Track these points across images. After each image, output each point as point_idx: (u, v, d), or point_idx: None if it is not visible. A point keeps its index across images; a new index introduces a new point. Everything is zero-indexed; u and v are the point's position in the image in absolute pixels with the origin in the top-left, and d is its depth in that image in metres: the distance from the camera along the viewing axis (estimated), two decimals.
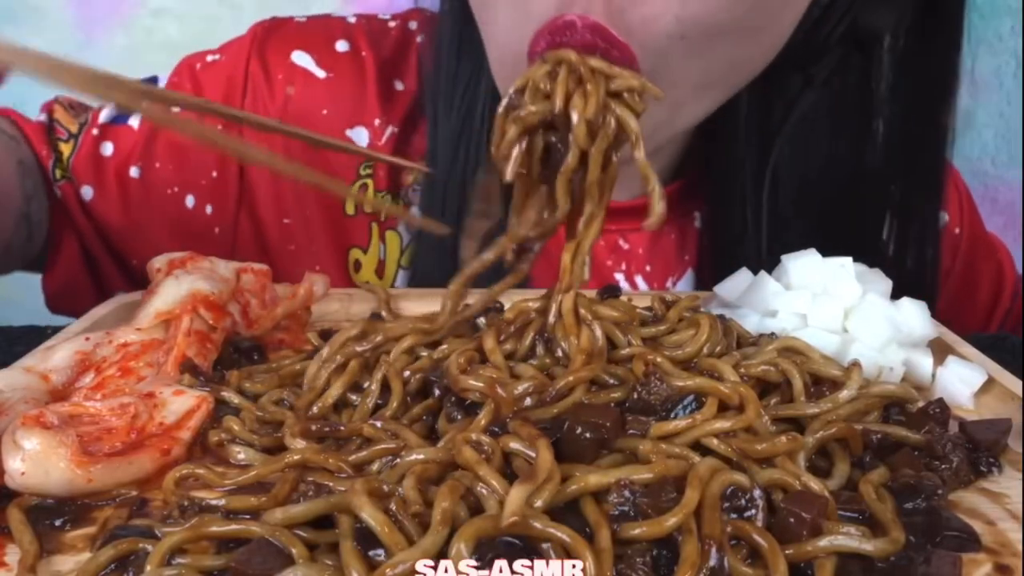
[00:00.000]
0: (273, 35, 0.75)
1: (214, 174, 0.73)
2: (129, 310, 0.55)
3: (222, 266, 0.55)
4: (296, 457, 0.38)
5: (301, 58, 0.74)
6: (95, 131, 0.73)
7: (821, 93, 0.68)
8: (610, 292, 0.54)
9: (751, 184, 0.69)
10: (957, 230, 0.81)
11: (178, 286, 0.51)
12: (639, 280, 0.74)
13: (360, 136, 0.74)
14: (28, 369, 0.45)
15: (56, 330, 0.54)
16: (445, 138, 0.70)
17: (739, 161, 0.69)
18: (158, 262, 0.55)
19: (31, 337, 0.52)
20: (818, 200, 0.71)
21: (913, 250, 0.72)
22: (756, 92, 0.66)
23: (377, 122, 0.74)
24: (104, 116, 0.74)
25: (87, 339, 0.48)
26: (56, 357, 0.46)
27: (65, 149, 0.72)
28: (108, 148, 0.72)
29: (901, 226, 0.72)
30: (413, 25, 0.78)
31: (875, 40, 0.65)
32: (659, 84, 0.53)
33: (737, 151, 0.69)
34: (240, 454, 0.42)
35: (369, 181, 0.75)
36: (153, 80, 0.75)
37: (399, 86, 0.75)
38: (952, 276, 0.81)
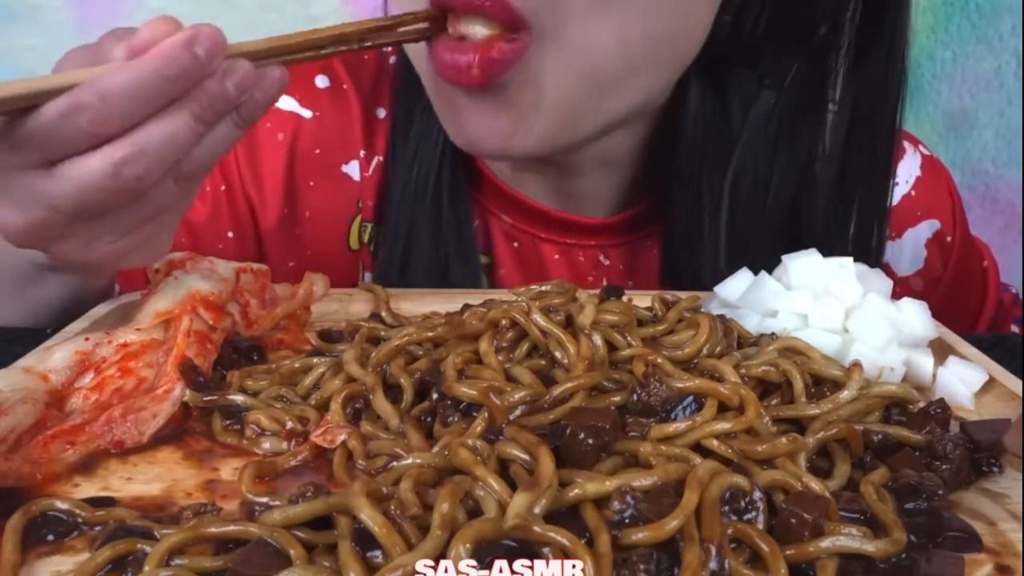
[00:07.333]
0: None
1: (230, 234, 0.74)
2: (129, 310, 0.55)
3: (222, 266, 0.55)
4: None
5: (286, 102, 0.74)
6: None
7: (777, 95, 0.67)
8: (613, 293, 0.54)
9: (709, 196, 0.68)
10: (949, 238, 0.80)
11: (177, 286, 0.51)
12: None
13: (353, 170, 0.74)
14: (27, 369, 0.45)
15: (56, 330, 0.54)
16: (402, 161, 0.70)
17: (697, 172, 0.68)
18: (157, 262, 0.55)
19: (30, 337, 0.52)
20: (777, 209, 0.70)
21: (857, 240, 0.72)
22: (710, 97, 0.66)
23: (363, 153, 0.74)
24: None
25: (87, 339, 0.48)
26: (55, 357, 0.46)
27: None
28: None
29: (847, 217, 0.72)
30: (386, 49, 0.77)
31: (813, 33, 0.64)
32: (566, 46, 0.53)
33: (692, 160, 0.68)
34: (265, 444, 0.42)
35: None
36: None
37: (381, 114, 0.75)
38: (942, 284, 0.80)
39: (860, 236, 0.72)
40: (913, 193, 0.78)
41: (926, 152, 0.81)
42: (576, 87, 0.56)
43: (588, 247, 0.74)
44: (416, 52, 0.59)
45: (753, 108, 0.67)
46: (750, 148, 0.68)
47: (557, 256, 0.74)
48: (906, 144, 0.79)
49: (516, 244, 0.74)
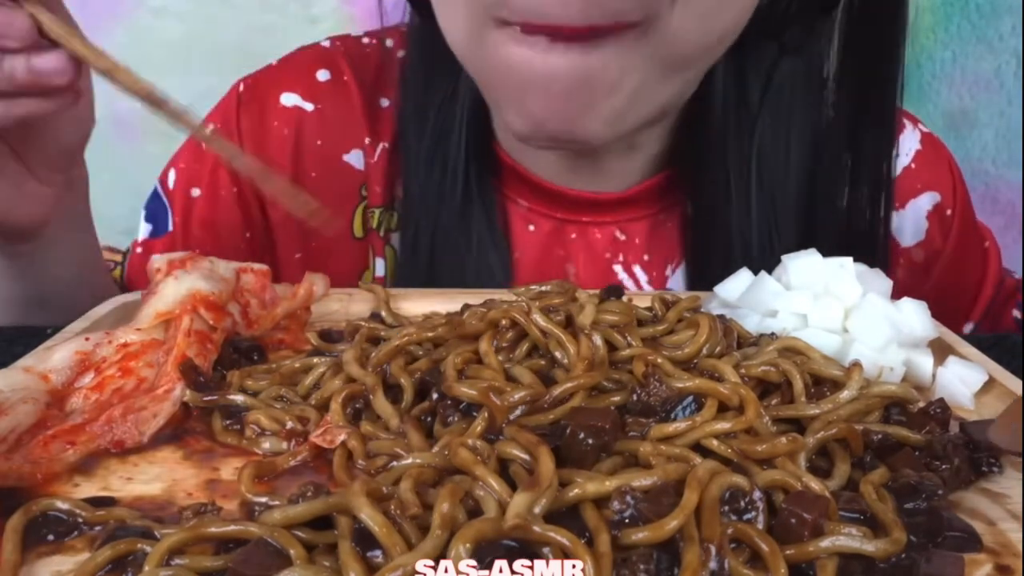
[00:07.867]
0: (258, 86, 0.76)
1: (248, 235, 0.76)
2: (129, 310, 0.55)
3: (222, 266, 0.55)
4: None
5: (289, 98, 0.75)
6: (139, 250, 0.77)
7: (796, 61, 0.68)
8: (612, 293, 0.54)
9: (735, 165, 0.69)
10: (949, 212, 0.80)
11: (178, 286, 0.51)
12: (637, 270, 0.75)
13: (356, 159, 0.75)
14: (27, 369, 0.45)
15: (56, 330, 0.54)
16: (420, 158, 0.71)
17: (722, 142, 0.69)
18: (158, 262, 0.55)
19: (30, 337, 0.52)
20: (803, 175, 0.71)
21: (866, 205, 0.73)
22: (731, 68, 0.67)
23: (367, 140, 0.75)
24: (143, 234, 0.77)
25: (87, 339, 0.48)
26: (56, 357, 0.46)
27: (116, 274, 0.77)
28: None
29: (853, 181, 0.73)
30: (389, 43, 0.78)
31: (830, 5, 0.66)
32: (653, 33, 0.53)
33: (718, 131, 0.69)
34: (265, 444, 0.42)
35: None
36: None
37: (384, 103, 0.76)
38: (942, 257, 0.81)
39: (869, 206, 0.73)
40: (913, 166, 0.79)
41: (925, 129, 0.82)
42: (646, 73, 0.56)
43: (605, 224, 0.74)
44: (474, 37, 0.57)
45: (775, 75, 0.69)
46: (772, 115, 0.69)
47: (574, 236, 0.74)
48: (906, 121, 0.80)
49: (532, 227, 0.74)
